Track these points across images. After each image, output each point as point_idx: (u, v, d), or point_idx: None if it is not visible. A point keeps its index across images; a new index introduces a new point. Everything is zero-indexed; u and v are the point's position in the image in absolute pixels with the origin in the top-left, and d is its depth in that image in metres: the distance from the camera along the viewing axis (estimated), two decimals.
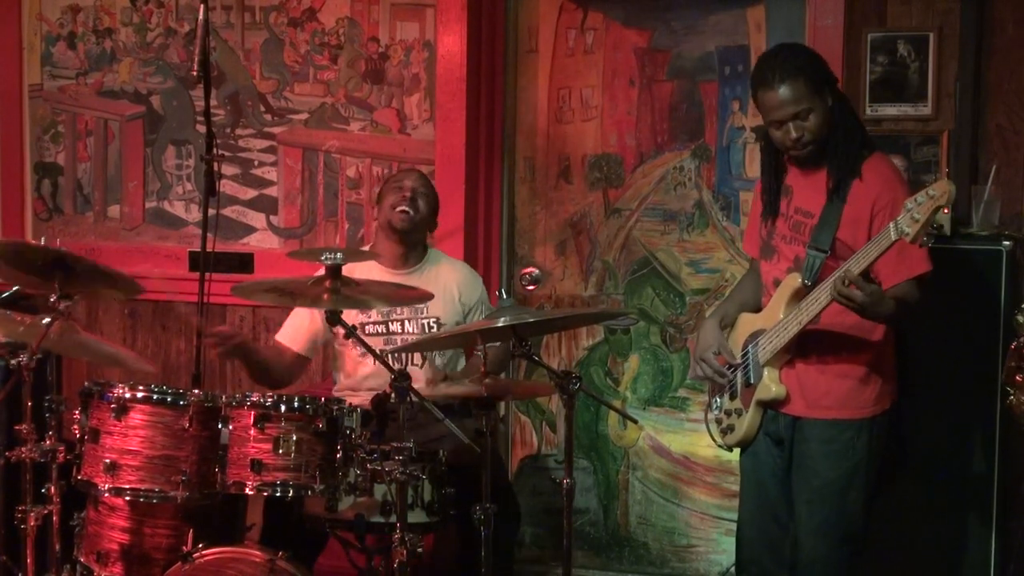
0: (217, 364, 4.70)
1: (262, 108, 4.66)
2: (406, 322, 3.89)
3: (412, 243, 3.93)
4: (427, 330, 3.88)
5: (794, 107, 3.15)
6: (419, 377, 3.81)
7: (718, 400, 3.43)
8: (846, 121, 3.21)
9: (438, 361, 3.90)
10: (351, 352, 3.91)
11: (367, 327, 3.87)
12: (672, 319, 4.52)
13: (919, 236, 2.85)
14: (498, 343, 3.75)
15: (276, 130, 4.66)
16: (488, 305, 3.98)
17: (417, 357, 3.89)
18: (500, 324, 3.13)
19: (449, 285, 3.93)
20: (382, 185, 4.07)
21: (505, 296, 3.34)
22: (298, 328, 3.93)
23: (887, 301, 3.05)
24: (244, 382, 4.67)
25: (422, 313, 3.89)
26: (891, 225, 2.90)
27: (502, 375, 3.88)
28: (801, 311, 3.14)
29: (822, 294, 3.08)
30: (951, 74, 4.03)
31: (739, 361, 3.36)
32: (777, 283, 3.29)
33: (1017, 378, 3.23)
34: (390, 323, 3.90)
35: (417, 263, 3.95)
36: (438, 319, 3.89)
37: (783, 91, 3.15)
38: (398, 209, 3.86)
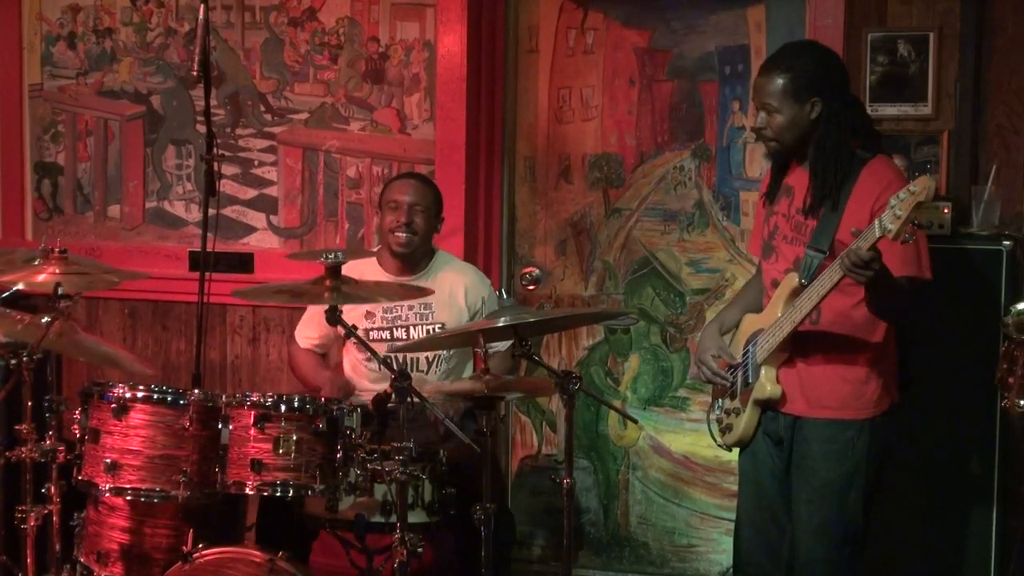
0: (217, 364, 4.71)
1: (262, 108, 4.66)
2: (411, 328, 3.89)
3: (415, 258, 3.91)
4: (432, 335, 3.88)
5: (762, 98, 3.21)
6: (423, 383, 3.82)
7: (720, 400, 3.43)
8: (834, 137, 3.18)
9: (444, 367, 3.89)
10: (355, 355, 3.91)
11: (371, 333, 3.87)
12: (672, 319, 4.52)
13: (901, 232, 2.85)
14: (503, 348, 3.74)
15: (276, 130, 4.66)
16: (496, 307, 3.97)
17: (423, 363, 3.88)
18: (500, 324, 3.13)
19: (455, 289, 3.91)
20: (382, 190, 4.05)
21: (505, 296, 3.34)
22: (317, 332, 3.95)
23: (894, 278, 3.04)
24: (244, 382, 4.68)
25: (427, 319, 3.88)
26: (876, 223, 2.91)
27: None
28: (795, 310, 3.14)
29: (814, 292, 3.08)
30: (951, 74, 4.03)
31: (740, 361, 3.36)
32: (775, 283, 3.30)
33: (1009, 380, 3.22)
34: (394, 329, 3.89)
35: (423, 268, 3.94)
36: (443, 324, 3.88)
37: (761, 79, 3.23)
38: (396, 233, 3.84)
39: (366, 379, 3.90)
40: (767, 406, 3.28)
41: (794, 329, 3.14)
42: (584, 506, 4.60)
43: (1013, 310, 3.26)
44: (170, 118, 4.78)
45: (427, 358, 3.88)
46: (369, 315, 3.89)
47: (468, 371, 3.99)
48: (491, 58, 4.52)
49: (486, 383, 3.24)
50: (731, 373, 3.39)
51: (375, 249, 4.07)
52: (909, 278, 3.09)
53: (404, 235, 3.83)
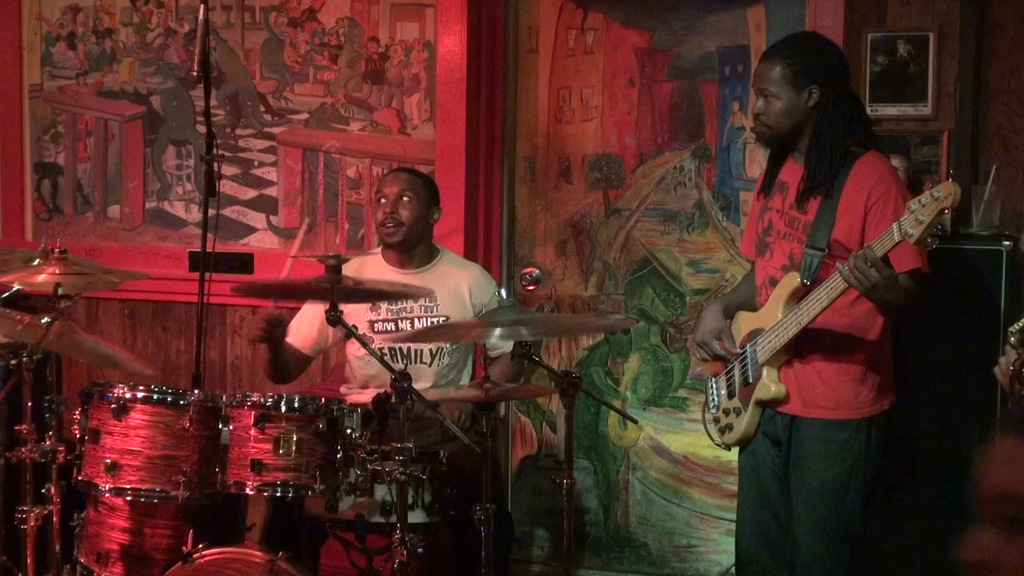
0: (217, 364, 4.70)
1: (262, 108, 4.66)
2: (415, 320, 3.89)
3: (410, 247, 3.92)
4: None
5: (760, 83, 3.23)
6: (426, 376, 3.81)
7: (715, 398, 3.42)
8: (831, 126, 3.18)
9: (447, 360, 3.89)
10: (357, 352, 3.91)
11: (376, 324, 3.88)
12: (672, 319, 4.52)
13: (923, 238, 2.85)
14: (506, 348, 3.74)
15: (276, 130, 4.66)
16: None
17: (426, 355, 3.89)
18: (496, 335, 3.13)
19: (459, 284, 3.92)
20: (374, 190, 4.07)
21: (505, 296, 3.34)
22: (309, 329, 3.92)
23: (899, 289, 3.04)
24: (244, 382, 4.68)
25: (431, 312, 3.89)
26: (895, 226, 2.90)
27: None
28: (801, 311, 3.13)
29: (823, 296, 3.08)
30: (951, 74, 4.03)
31: (739, 351, 3.35)
32: (772, 281, 3.29)
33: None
34: (399, 321, 3.90)
35: (424, 264, 3.94)
36: (447, 318, 3.89)
37: (761, 65, 3.25)
38: (384, 226, 3.87)
39: (371, 377, 3.90)
40: (768, 406, 3.28)
41: (800, 331, 3.13)
42: (584, 506, 4.60)
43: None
44: (170, 118, 4.78)
45: (430, 350, 3.88)
46: (375, 307, 3.90)
47: (468, 368, 4.00)
48: (491, 58, 4.52)
49: (486, 391, 3.24)
50: (727, 366, 3.38)
51: (376, 248, 4.08)
52: (911, 273, 3.10)
53: (391, 226, 3.86)
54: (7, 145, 4.92)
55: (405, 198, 3.87)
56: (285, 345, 3.86)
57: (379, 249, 4.02)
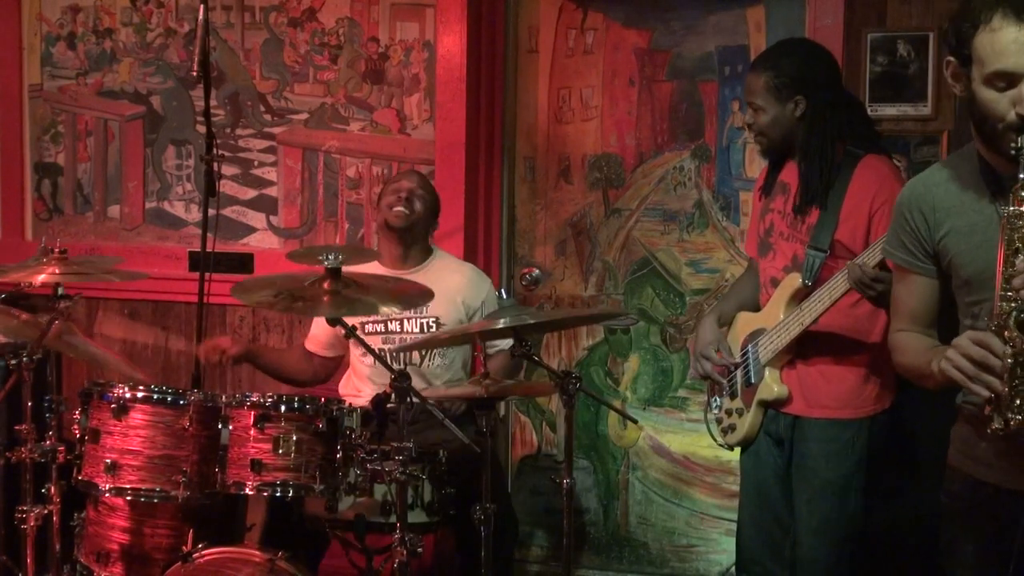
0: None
1: (262, 108, 4.66)
2: (405, 321, 3.90)
3: (410, 242, 3.93)
4: (426, 330, 3.88)
5: (747, 95, 3.28)
6: (416, 376, 3.81)
7: (717, 399, 3.43)
8: (819, 137, 3.18)
9: (438, 361, 3.90)
10: (354, 354, 3.93)
11: (367, 326, 3.88)
12: (672, 319, 4.52)
13: None
14: (504, 347, 3.74)
15: (276, 130, 4.66)
16: (495, 306, 3.97)
17: (415, 355, 3.89)
18: (499, 325, 3.13)
19: (451, 286, 3.92)
20: (382, 188, 4.10)
21: (505, 296, 3.34)
22: (321, 331, 3.97)
23: None
24: (244, 382, 4.68)
25: (422, 312, 3.89)
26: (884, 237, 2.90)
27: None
28: (803, 312, 3.14)
29: (824, 296, 3.08)
30: None
31: (738, 360, 3.36)
32: (775, 282, 3.29)
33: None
34: (389, 322, 3.90)
35: (419, 263, 3.95)
36: (438, 319, 3.89)
37: (749, 76, 3.30)
38: (394, 209, 3.90)
39: (365, 377, 3.90)
40: (771, 406, 3.28)
41: (803, 331, 3.14)
42: (584, 506, 4.60)
43: None
44: (170, 118, 4.78)
45: (420, 351, 3.89)
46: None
47: (466, 364, 4.00)
48: (491, 58, 4.52)
49: (486, 387, 3.24)
50: (731, 371, 3.39)
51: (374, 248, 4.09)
52: None
53: (402, 209, 3.89)
54: (7, 145, 4.92)
55: (419, 194, 3.93)
56: (263, 352, 4.08)
57: (375, 249, 4.02)
